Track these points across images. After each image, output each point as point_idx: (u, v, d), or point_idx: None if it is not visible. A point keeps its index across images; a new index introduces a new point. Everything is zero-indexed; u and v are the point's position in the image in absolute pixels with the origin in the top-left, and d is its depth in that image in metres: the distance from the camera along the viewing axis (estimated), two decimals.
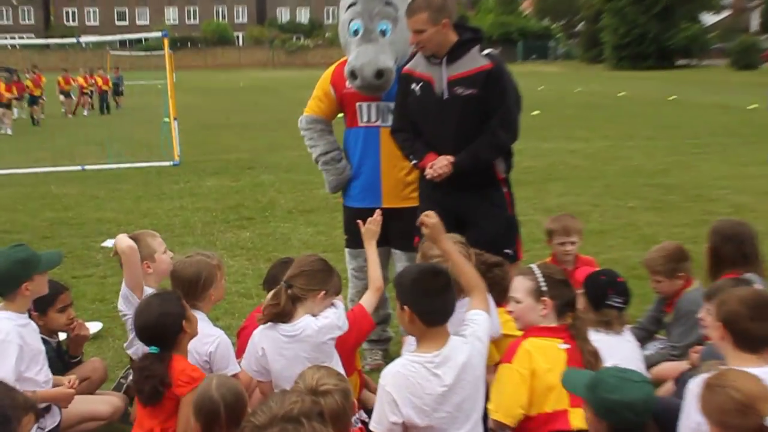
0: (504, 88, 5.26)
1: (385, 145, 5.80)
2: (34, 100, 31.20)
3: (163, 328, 4.06)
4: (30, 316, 4.60)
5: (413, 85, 5.43)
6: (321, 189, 13.17)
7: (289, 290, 4.17)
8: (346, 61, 5.79)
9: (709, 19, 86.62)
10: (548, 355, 4.05)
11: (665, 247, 5.59)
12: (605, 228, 10.22)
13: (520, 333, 4.49)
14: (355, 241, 5.80)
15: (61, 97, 35.15)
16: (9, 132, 26.75)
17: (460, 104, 5.26)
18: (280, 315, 4.17)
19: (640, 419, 3.27)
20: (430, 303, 3.80)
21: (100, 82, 36.19)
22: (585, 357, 4.02)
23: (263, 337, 4.23)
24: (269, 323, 4.20)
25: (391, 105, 5.68)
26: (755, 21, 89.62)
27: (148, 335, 4.12)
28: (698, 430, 3.42)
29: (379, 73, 5.50)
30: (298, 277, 4.21)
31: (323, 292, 4.23)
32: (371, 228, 4.96)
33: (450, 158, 5.25)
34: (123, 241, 4.70)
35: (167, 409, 4.05)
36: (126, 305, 4.75)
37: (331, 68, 6.04)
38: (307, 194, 13.19)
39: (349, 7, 5.72)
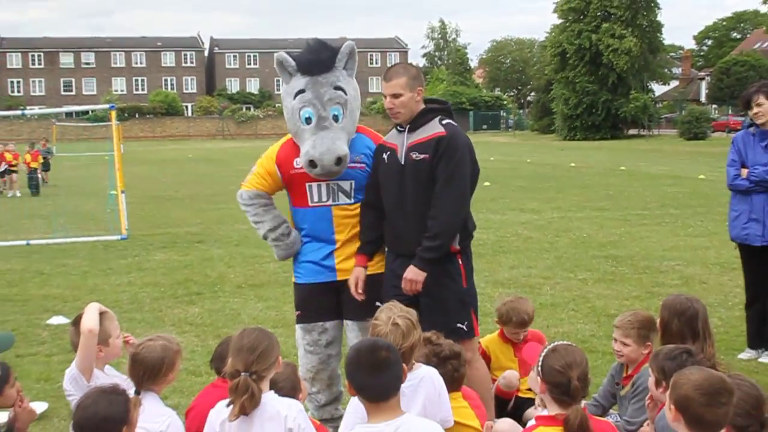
0: (452, 158, 5.41)
1: (338, 223, 5.82)
2: None
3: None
4: None
5: (384, 155, 5.68)
6: (271, 263, 13.26)
7: (252, 377, 4.09)
8: (290, 140, 5.86)
9: (658, 89, 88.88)
10: None
11: (640, 313, 5.71)
12: (556, 301, 10.37)
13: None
14: (308, 315, 5.88)
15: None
16: None
17: (413, 170, 5.49)
18: (254, 404, 4.09)
19: None
20: (364, 380, 3.84)
21: (28, 158, 31.44)
22: None
23: (223, 415, 4.14)
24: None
25: (341, 183, 5.76)
26: (704, 91, 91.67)
27: None
28: None
29: (339, 160, 5.54)
30: (258, 361, 4.11)
31: (279, 358, 4.25)
32: None
33: (410, 274, 5.44)
34: (90, 319, 4.66)
35: None
36: (73, 386, 4.72)
37: (275, 148, 5.96)
38: (257, 268, 13.23)
39: (297, 94, 5.70)
